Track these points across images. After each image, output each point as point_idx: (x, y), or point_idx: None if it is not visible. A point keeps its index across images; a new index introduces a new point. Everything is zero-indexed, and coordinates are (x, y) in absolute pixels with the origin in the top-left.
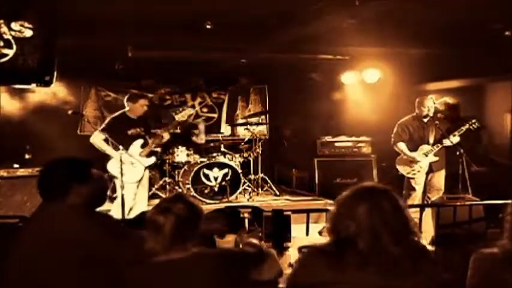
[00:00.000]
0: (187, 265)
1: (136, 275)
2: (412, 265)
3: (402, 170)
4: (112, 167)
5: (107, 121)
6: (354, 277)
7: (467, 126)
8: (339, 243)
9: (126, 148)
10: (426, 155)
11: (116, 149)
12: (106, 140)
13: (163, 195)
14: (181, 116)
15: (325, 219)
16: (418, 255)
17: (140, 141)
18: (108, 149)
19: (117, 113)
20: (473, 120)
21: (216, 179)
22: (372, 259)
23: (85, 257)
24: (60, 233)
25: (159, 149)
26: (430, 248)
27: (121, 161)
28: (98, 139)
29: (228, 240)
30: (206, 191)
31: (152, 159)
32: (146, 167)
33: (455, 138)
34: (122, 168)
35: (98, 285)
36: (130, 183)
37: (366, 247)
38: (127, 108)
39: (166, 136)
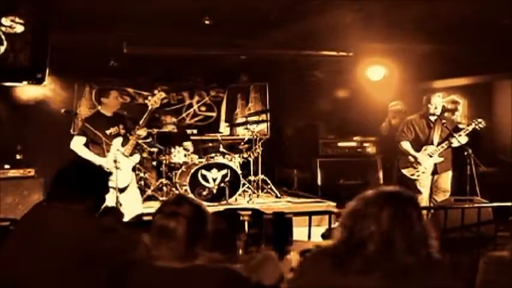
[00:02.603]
0: (187, 278)
1: (136, 279)
2: (419, 272)
3: (406, 171)
4: None
5: (80, 124)
6: (357, 282)
7: (473, 125)
8: (349, 245)
9: (107, 150)
10: (431, 156)
11: (100, 154)
12: (86, 145)
13: (160, 197)
14: (153, 102)
15: (327, 222)
16: (427, 262)
17: (119, 140)
18: (90, 156)
19: (90, 113)
20: (479, 120)
21: (214, 180)
22: (380, 264)
23: (82, 257)
24: (59, 235)
25: (155, 149)
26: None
27: (115, 161)
28: (77, 144)
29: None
30: (204, 193)
31: (137, 157)
32: (133, 167)
33: (462, 138)
34: (116, 171)
35: (93, 286)
36: (122, 188)
37: (376, 251)
38: (99, 106)
39: (142, 132)
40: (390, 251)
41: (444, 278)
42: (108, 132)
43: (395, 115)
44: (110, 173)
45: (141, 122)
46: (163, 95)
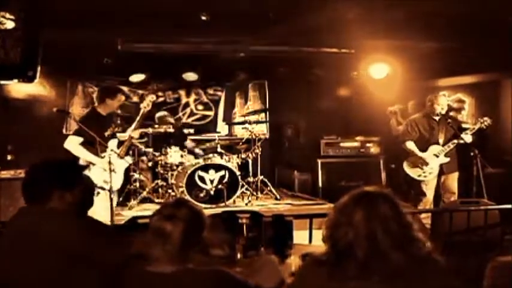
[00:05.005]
0: (178, 282)
1: (127, 284)
2: (417, 272)
3: (412, 172)
4: (94, 175)
5: (75, 123)
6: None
7: (479, 124)
8: (338, 252)
9: (101, 150)
10: (437, 156)
11: (96, 154)
12: (83, 145)
13: (155, 199)
14: (146, 105)
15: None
16: (423, 262)
17: (115, 141)
18: (88, 155)
19: (85, 112)
20: (485, 118)
21: (212, 181)
22: (374, 268)
23: (66, 259)
24: (39, 235)
25: (150, 149)
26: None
27: (110, 163)
28: (73, 144)
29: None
30: (201, 195)
31: (129, 159)
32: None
33: (467, 137)
34: (111, 173)
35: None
36: (115, 190)
37: (365, 255)
38: (95, 104)
39: (135, 134)
40: (379, 252)
41: (442, 277)
42: (106, 134)
43: (392, 116)
44: (83, 166)
45: (133, 126)
46: (154, 97)
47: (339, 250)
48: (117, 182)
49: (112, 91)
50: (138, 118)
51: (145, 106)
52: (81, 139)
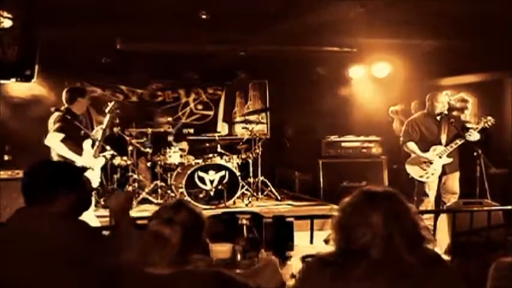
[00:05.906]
0: (176, 283)
1: (125, 283)
2: (425, 273)
3: (414, 173)
4: None
5: (59, 122)
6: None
7: (482, 124)
8: (349, 253)
9: (80, 151)
10: (440, 157)
11: (78, 153)
12: (64, 142)
13: (154, 200)
14: (110, 109)
15: (330, 226)
16: (432, 263)
17: (89, 142)
18: (69, 153)
19: (62, 109)
20: (489, 118)
21: (212, 182)
22: (383, 268)
23: (66, 261)
24: (38, 237)
25: (149, 150)
26: (445, 257)
27: (108, 163)
28: (54, 141)
29: (223, 250)
30: (201, 195)
31: (102, 160)
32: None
33: (474, 135)
34: (109, 172)
35: None
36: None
37: (379, 256)
38: (67, 105)
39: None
40: (393, 253)
41: (448, 278)
42: (82, 132)
43: (394, 116)
44: (84, 169)
45: (96, 144)
46: (115, 105)
47: (351, 251)
48: (95, 180)
49: (81, 90)
50: (100, 137)
51: (110, 111)
52: (62, 135)
